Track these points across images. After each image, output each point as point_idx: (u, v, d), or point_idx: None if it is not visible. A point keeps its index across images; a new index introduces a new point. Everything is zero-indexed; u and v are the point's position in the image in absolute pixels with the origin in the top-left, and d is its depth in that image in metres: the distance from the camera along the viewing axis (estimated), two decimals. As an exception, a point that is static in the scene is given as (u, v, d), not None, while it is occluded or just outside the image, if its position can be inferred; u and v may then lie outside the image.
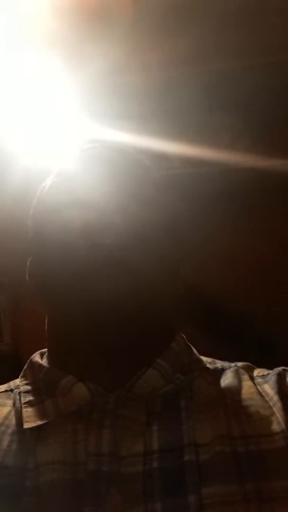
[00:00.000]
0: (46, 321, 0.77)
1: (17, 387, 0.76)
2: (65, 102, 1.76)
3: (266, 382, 0.73)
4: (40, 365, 0.75)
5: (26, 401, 0.72)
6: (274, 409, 0.69)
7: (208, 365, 0.76)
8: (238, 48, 1.77)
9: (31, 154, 1.71)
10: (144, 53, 1.70)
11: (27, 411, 0.70)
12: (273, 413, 0.69)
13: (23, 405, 0.72)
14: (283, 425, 0.67)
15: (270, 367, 0.77)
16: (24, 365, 0.79)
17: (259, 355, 0.83)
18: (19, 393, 0.74)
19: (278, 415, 0.69)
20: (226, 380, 0.73)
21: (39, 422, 0.69)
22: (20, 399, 0.73)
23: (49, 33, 1.54)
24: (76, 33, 1.55)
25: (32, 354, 0.80)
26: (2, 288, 2.18)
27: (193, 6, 1.58)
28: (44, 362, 0.76)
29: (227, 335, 2.00)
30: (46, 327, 0.77)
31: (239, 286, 2.02)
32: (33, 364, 0.77)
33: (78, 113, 1.79)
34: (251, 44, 1.75)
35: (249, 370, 0.76)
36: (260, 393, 0.72)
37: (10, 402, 0.74)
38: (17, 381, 0.77)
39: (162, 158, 1.94)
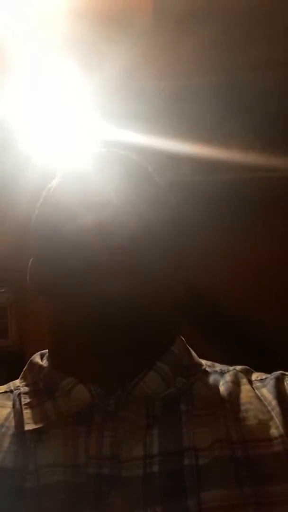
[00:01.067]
0: (47, 322, 0.76)
1: (17, 388, 0.75)
2: (81, 104, 1.77)
3: (264, 386, 0.73)
4: (40, 366, 0.75)
5: (26, 402, 0.72)
6: (273, 413, 0.69)
7: (207, 369, 0.76)
8: (254, 56, 1.78)
9: (46, 155, 1.71)
10: (160, 58, 1.71)
11: (28, 413, 0.70)
12: (271, 418, 0.69)
13: (23, 407, 0.71)
14: (281, 430, 0.67)
15: (269, 371, 0.77)
16: (29, 364, 0.79)
17: (259, 359, 0.83)
18: (19, 394, 0.74)
19: (276, 419, 0.68)
20: (225, 384, 0.73)
21: (40, 424, 0.68)
22: (20, 400, 0.73)
23: (66, 36, 1.54)
24: (93, 36, 1.55)
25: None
26: (9, 286, 2.18)
27: (209, 13, 1.58)
28: (44, 363, 0.76)
29: (227, 338, 1.99)
30: (47, 328, 0.77)
31: (244, 291, 2.02)
32: (33, 365, 0.76)
33: (94, 115, 1.80)
34: (266, 53, 1.75)
35: (247, 374, 0.75)
36: (258, 397, 0.71)
37: (9, 403, 0.74)
38: (17, 382, 0.77)
39: (172, 163, 1.95)
